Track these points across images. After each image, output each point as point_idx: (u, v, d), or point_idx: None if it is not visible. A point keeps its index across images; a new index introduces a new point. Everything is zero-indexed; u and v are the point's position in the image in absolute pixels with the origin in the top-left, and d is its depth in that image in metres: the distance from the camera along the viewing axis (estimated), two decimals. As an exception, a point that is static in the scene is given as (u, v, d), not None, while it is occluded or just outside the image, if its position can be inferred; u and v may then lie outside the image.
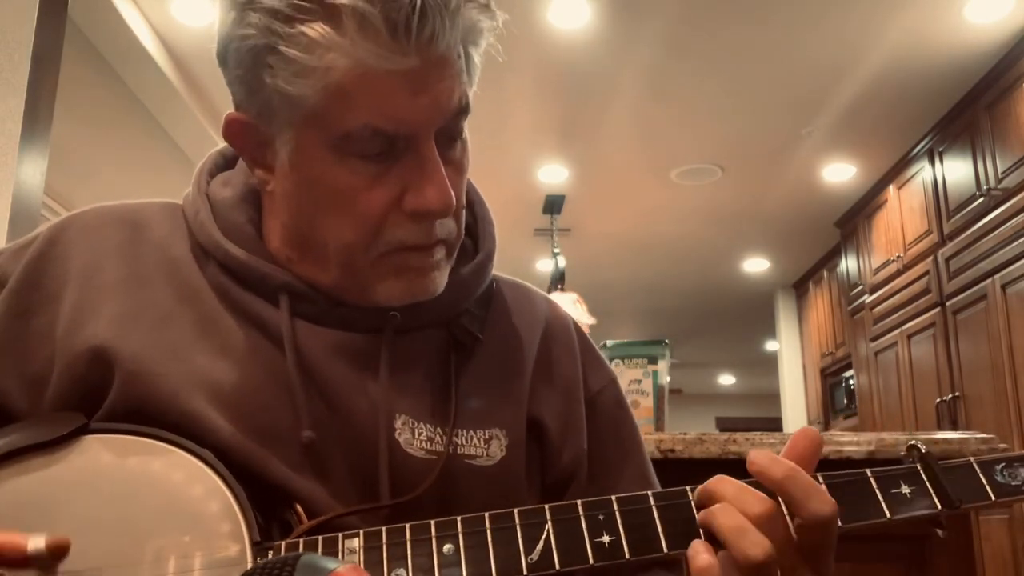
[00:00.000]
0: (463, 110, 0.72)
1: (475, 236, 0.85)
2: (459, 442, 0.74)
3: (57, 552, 0.57)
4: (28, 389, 0.73)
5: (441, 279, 0.75)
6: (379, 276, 0.73)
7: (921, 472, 0.65)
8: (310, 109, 0.67)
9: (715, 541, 0.61)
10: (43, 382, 0.72)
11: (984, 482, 0.65)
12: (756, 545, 0.58)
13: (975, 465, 0.65)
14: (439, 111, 0.69)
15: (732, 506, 0.61)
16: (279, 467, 0.69)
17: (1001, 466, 0.65)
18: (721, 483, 0.63)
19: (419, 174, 0.69)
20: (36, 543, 0.57)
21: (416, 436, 0.73)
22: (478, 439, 0.75)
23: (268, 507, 0.67)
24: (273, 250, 0.78)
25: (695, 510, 0.64)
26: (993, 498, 0.64)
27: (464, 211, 0.77)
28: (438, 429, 0.74)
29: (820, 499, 0.60)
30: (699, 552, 0.60)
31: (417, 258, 0.73)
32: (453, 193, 0.70)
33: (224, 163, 0.86)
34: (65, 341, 0.72)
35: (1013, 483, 0.65)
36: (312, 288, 0.76)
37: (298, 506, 0.67)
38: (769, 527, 0.60)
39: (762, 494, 0.61)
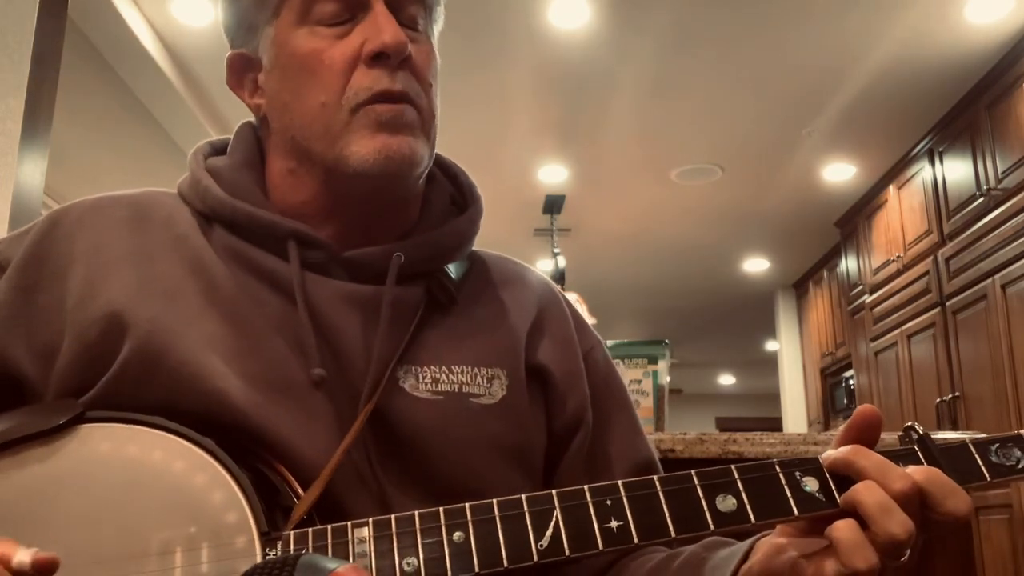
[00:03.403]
0: None
1: (462, 201, 0.90)
2: (464, 380, 0.77)
3: (42, 568, 0.55)
4: (37, 359, 0.74)
5: (417, 146, 0.77)
6: (354, 134, 0.76)
7: (919, 453, 0.65)
8: None
9: (850, 514, 0.60)
10: (53, 353, 0.73)
11: (980, 463, 0.65)
12: (900, 524, 0.58)
13: (971, 446, 0.65)
14: None
15: (875, 482, 0.60)
16: (287, 420, 0.70)
17: (995, 447, 0.66)
18: (860, 455, 0.62)
19: (372, 25, 0.76)
20: (22, 557, 0.55)
21: (421, 380, 0.76)
22: (481, 377, 0.78)
23: (268, 467, 0.68)
24: (276, 197, 0.82)
25: (827, 475, 0.63)
26: (988, 478, 0.64)
27: (433, 93, 0.81)
28: (443, 369, 0.77)
29: (958, 498, 0.60)
30: (848, 530, 0.59)
31: (387, 112, 0.76)
32: (407, 42, 0.76)
33: (212, 151, 0.89)
34: (77, 313, 0.74)
35: (1007, 463, 0.65)
36: (318, 236, 0.79)
37: (289, 476, 0.68)
38: (910, 506, 0.59)
39: (903, 470, 0.60)
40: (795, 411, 6.58)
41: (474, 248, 0.90)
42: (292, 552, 0.61)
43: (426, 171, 0.82)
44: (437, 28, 0.85)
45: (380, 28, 0.76)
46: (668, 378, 1.85)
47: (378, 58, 0.76)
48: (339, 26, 0.77)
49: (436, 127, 0.82)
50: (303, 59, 0.77)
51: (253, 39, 0.82)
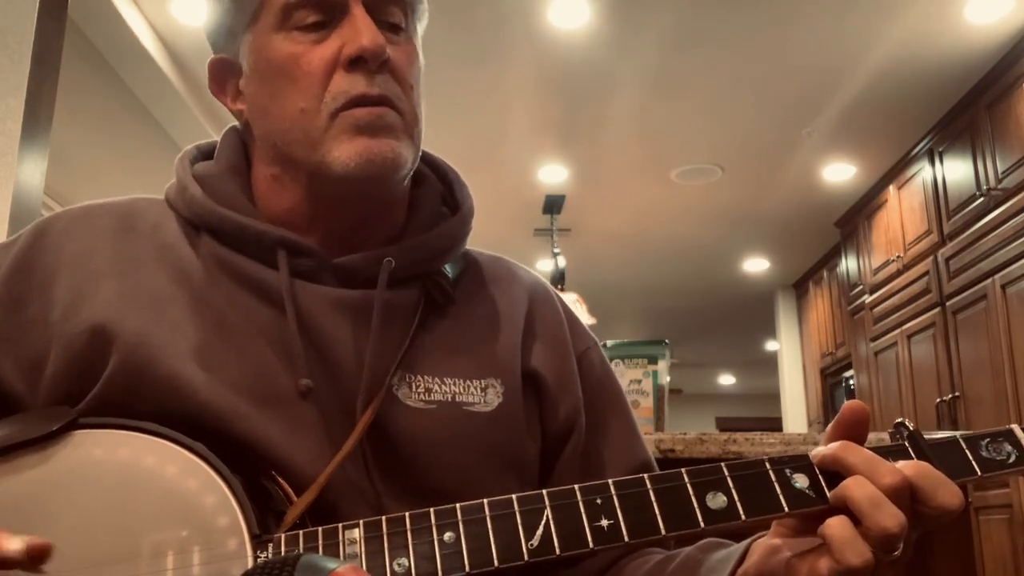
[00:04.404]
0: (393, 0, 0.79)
1: (453, 202, 0.89)
2: (457, 390, 0.77)
3: (36, 555, 0.56)
4: (25, 373, 0.74)
5: (399, 148, 0.77)
6: (334, 139, 0.75)
7: (909, 449, 0.65)
8: (256, 3, 0.77)
9: (842, 511, 0.60)
10: (40, 366, 0.73)
11: (970, 457, 0.65)
12: (892, 517, 0.57)
13: (961, 441, 0.65)
14: None
15: (865, 477, 0.60)
16: (275, 432, 0.70)
17: (986, 441, 0.66)
18: (848, 451, 0.62)
19: (351, 29, 0.76)
20: (15, 546, 0.56)
21: (414, 389, 0.75)
22: (475, 387, 0.78)
23: (260, 476, 0.68)
24: (262, 204, 0.81)
25: (817, 472, 0.63)
26: (979, 473, 0.64)
27: (416, 95, 0.80)
28: (436, 379, 0.77)
29: (949, 491, 0.60)
30: (840, 526, 0.59)
31: (367, 115, 0.75)
32: (386, 45, 0.76)
33: (200, 155, 0.89)
34: (62, 325, 0.73)
35: (998, 458, 0.65)
36: (307, 244, 0.78)
37: (283, 482, 0.68)
38: (900, 500, 0.59)
39: (892, 465, 0.60)
40: (795, 411, 6.58)
41: (467, 248, 0.89)
42: (285, 553, 0.61)
43: (410, 173, 0.81)
44: (421, 26, 0.85)
45: (358, 32, 0.75)
46: (668, 378, 1.85)
47: (356, 62, 0.75)
48: (317, 31, 0.77)
49: (421, 128, 0.81)
50: (281, 64, 0.77)
51: (233, 44, 0.81)
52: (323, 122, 0.75)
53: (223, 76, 0.84)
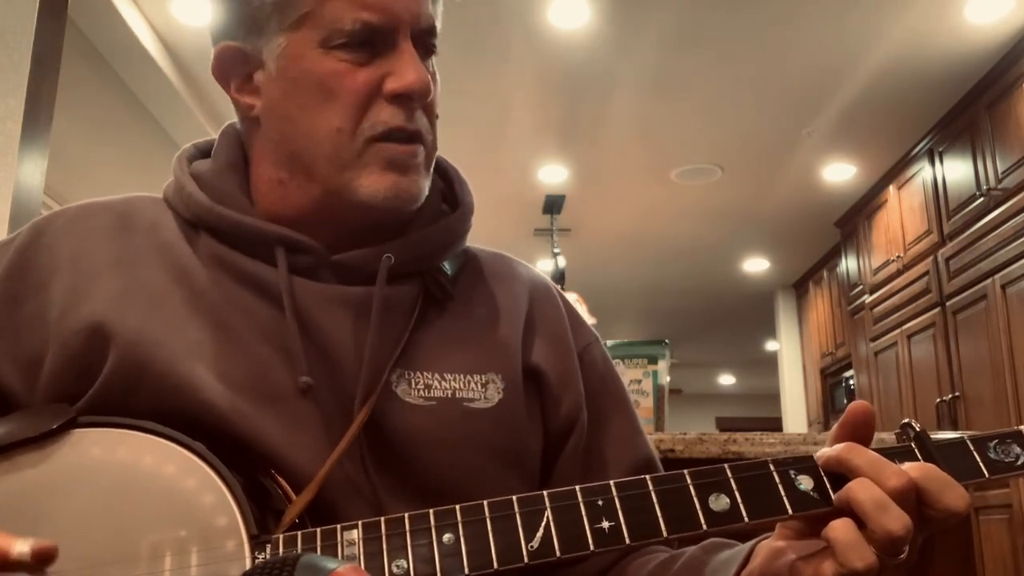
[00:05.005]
0: (434, 31, 0.80)
1: (452, 199, 0.89)
2: (457, 386, 0.77)
3: (42, 557, 0.56)
4: (23, 372, 0.74)
5: (423, 184, 0.79)
6: (365, 166, 0.76)
7: (916, 451, 0.64)
8: (303, 11, 0.75)
9: (846, 513, 0.59)
10: (37, 364, 0.73)
11: (978, 459, 0.64)
12: (897, 520, 0.57)
13: (968, 442, 0.64)
14: (417, 9, 0.78)
15: (870, 479, 0.59)
16: (275, 429, 0.70)
17: (994, 443, 0.65)
18: (853, 452, 0.61)
19: (398, 62, 0.77)
20: (21, 548, 0.56)
21: (413, 386, 0.75)
22: (475, 383, 0.78)
23: (259, 474, 0.68)
24: (262, 204, 0.81)
25: (822, 474, 0.62)
26: (987, 475, 0.63)
27: (436, 125, 0.82)
28: (435, 375, 0.77)
29: (955, 493, 0.59)
30: (844, 529, 0.58)
31: (401, 153, 0.77)
32: (431, 83, 0.77)
33: (198, 154, 0.88)
34: (60, 324, 0.73)
35: (1006, 460, 0.64)
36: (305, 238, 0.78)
37: (282, 480, 0.68)
38: (906, 503, 0.58)
39: (898, 467, 0.59)
40: (795, 411, 6.58)
41: (468, 245, 0.89)
42: (282, 554, 0.61)
43: None
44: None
45: (406, 68, 0.76)
46: (668, 378, 1.85)
47: (400, 96, 0.76)
48: (360, 52, 0.76)
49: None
50: (321, 79, 0.76)
51: (255, 39, 0.79)
52: (358, 146, 0.76)
53: (232, 65, 0.81)
